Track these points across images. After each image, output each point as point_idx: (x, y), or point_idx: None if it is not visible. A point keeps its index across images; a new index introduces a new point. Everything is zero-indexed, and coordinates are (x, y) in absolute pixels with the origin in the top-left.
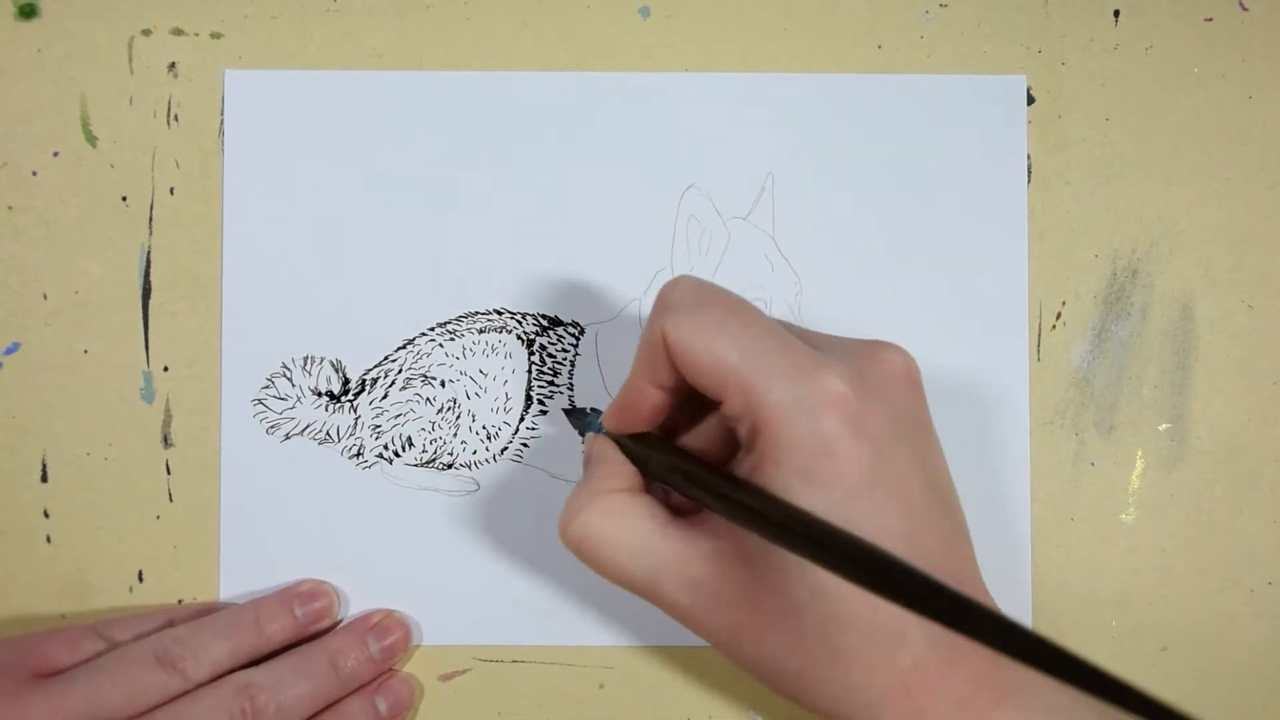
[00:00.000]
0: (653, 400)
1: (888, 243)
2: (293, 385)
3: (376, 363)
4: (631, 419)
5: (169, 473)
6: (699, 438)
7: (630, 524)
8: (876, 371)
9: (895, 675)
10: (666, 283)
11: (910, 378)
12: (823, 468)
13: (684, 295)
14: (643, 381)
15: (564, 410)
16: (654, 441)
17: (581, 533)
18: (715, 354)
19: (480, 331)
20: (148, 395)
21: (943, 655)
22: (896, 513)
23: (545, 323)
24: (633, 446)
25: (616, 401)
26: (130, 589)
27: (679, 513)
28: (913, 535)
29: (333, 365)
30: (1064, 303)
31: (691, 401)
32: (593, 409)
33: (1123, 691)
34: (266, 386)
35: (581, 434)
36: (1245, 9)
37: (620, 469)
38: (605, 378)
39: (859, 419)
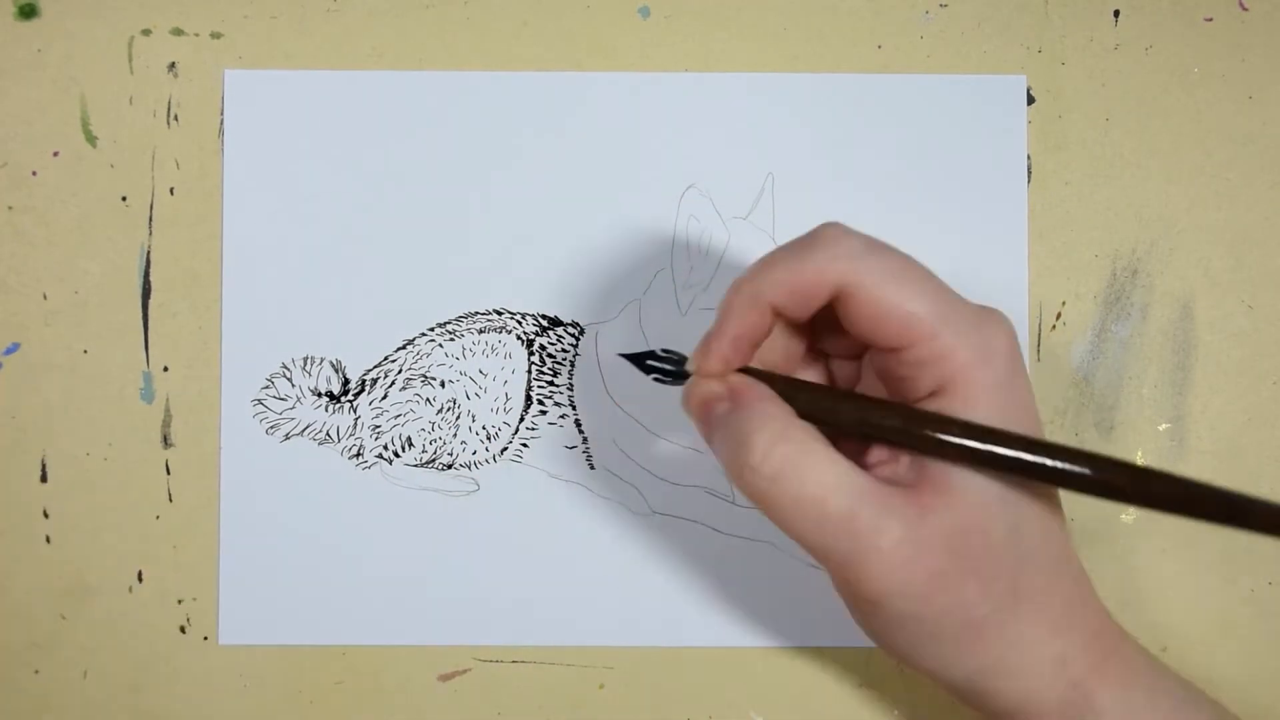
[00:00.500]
0: (767, 326)
1: (888, 242)
2: (292, 385)
3: (376, 363)
4: (747, 351)
5: (169, 473)
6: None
7: (826, 456)
8: (1013, 333)
9: (1060, 606)
10: (822, 226)
11: (1018, 344)
12: (1011, 405)
13: (860, 245)
14: (764, 308)
15: (623, 355)
16: (807, 388)
17: (774, 468)
18: (906, 302)
19: (480, 332)
20: (147, 395)
21: (1085, 584)
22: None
23: (545, 323)
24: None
25: (724, 331)
26: (130, 589)
27: None
28: None
29: (333, 365)
30: (1064, 303)
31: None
32: (667, 350)
33: None
34: (266, 387)
35: (652, 375)
36: (1245, 9)
37: (776, 398)
38: (605, 378)
39: (1020, 364)
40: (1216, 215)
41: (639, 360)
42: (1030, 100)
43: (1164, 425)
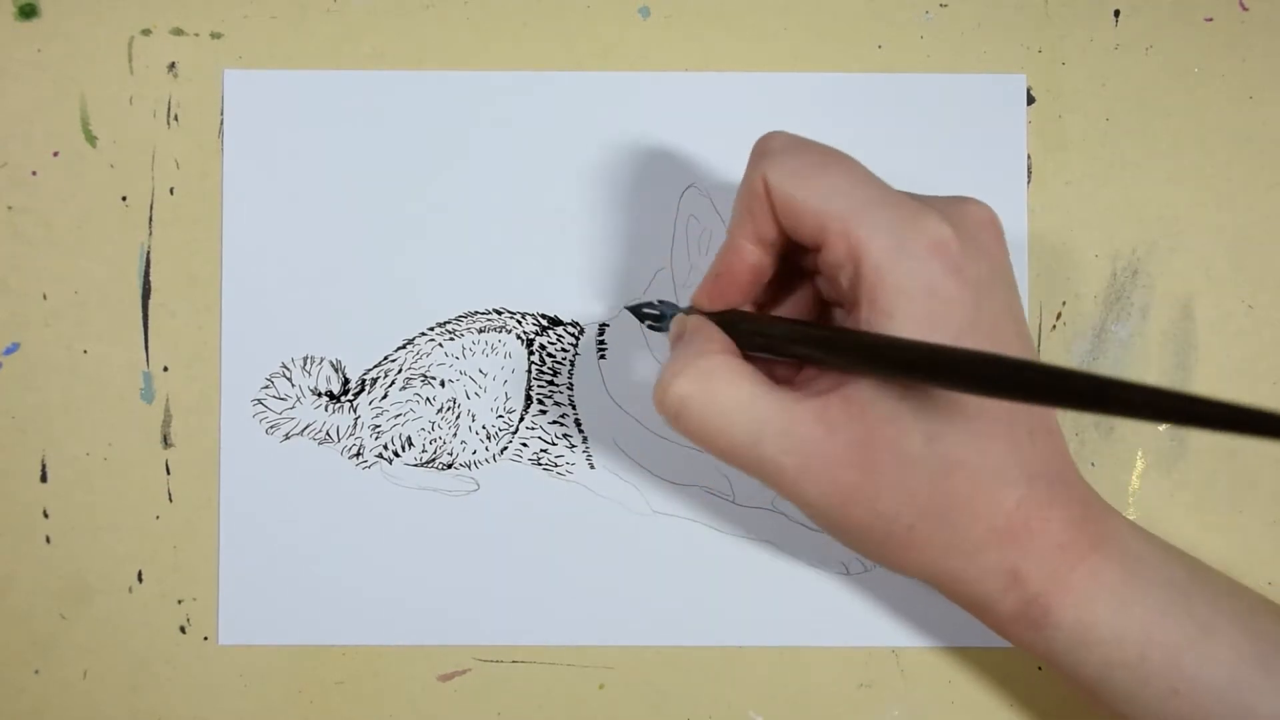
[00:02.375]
0: (751, 261)
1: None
2: (292, 385)
3: (376, 363)
4: (727, 288)
5: (169, 473)
6: (789, 312)
7: (732, 385)
8: (968, 221)
9: (1001, 517)
10: (763, 135)
11: (998, 228)
12: (931, 311)
13: (781, 143)
14: (742, 239)
15: (627, 308)
16: (746, 316)
17: (682, 395)
18: (816, 197)
19: (480, 331)
20: (147, 395)
21: (1042, 496)
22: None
23: (545, 322)
24: (727, 326)
25: (712, 271)
26: (130, 589)
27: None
28: None
29: (332, 365)
30: (1064, 303)
31: (782, 275)
32: (660, 300)
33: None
34: (266, 386)
35: (647, 322)
36: (1245, 9)
37: (716, 336)
38: (605, 377)
39: (960, 264)
40: (1216, 215)
41: (637, 310)
42: (1030, 100)
43: (1164, 425)
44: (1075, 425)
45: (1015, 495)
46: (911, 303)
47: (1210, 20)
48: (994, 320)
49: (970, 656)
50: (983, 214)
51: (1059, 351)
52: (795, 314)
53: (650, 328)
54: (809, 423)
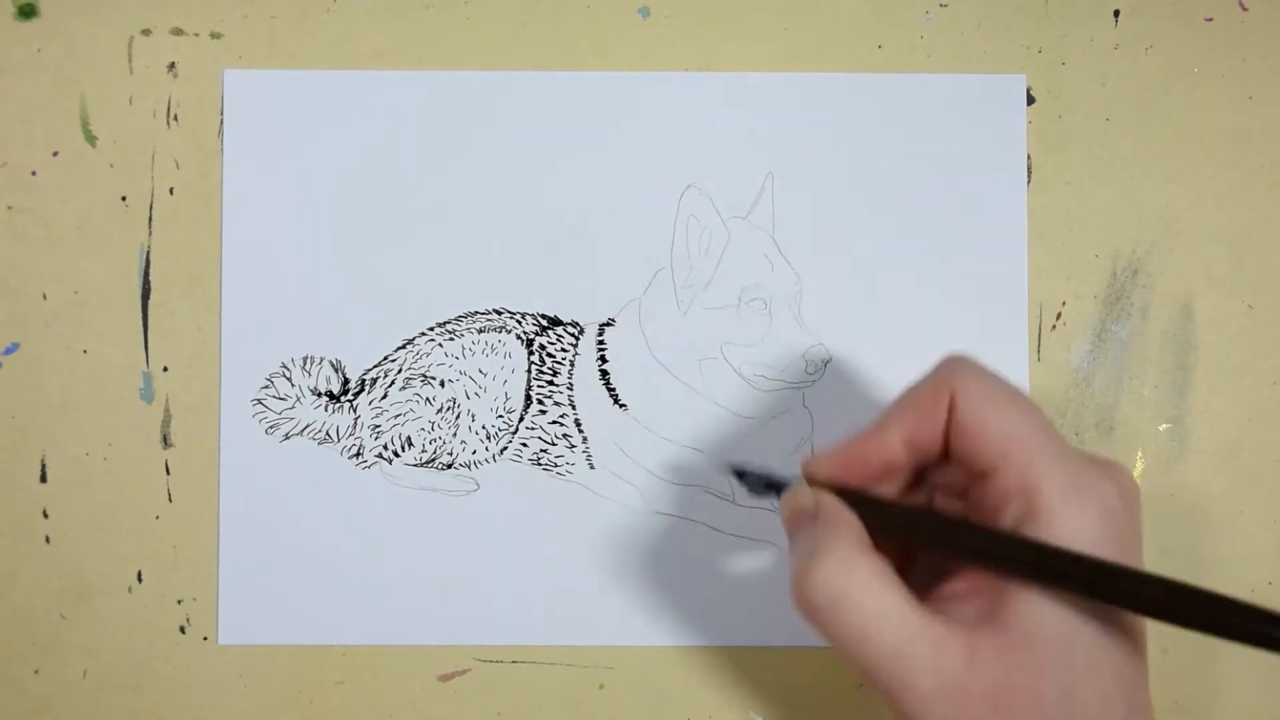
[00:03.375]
0: (890, 457)
1: (887, 241)
2: (292, 385)
3: (376, 363)
4: (854, 471)
5: (168, 473)
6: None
7: (885, 592)
8: (1126, 491)
9: None
10: (951, 354)
11: (1139, 503)
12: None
13: (976, 368)
14: (894, 434)
15: (735, 472)
16: (878, 504)
17: (830, 595)
18: (1006, 423)
19: (480, 331)
20: (147, 395)
21: None
22: None
23: (545, 322)
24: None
25: (843, 450)
26: (130, 589)
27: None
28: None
29: (332, 365)
30: (1064, 303)
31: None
32: (767, 472)
33: None
34: (266, 386)
35: (747, 486)
36: (1245, 9)
37: (854, 525)
38: (605, 377)
39: (1122, 533)
40: (1216, 215)
41: (741, 473)
42: (1030, 100)
43: (1164, 425)
44: (1075, 425)
45: None
46: (1077, 544)
47: (1210, 20)
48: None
49: None
50: (1133, 486)
51: (1059, 351)
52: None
53: (751, 493)
54: (956, 651)
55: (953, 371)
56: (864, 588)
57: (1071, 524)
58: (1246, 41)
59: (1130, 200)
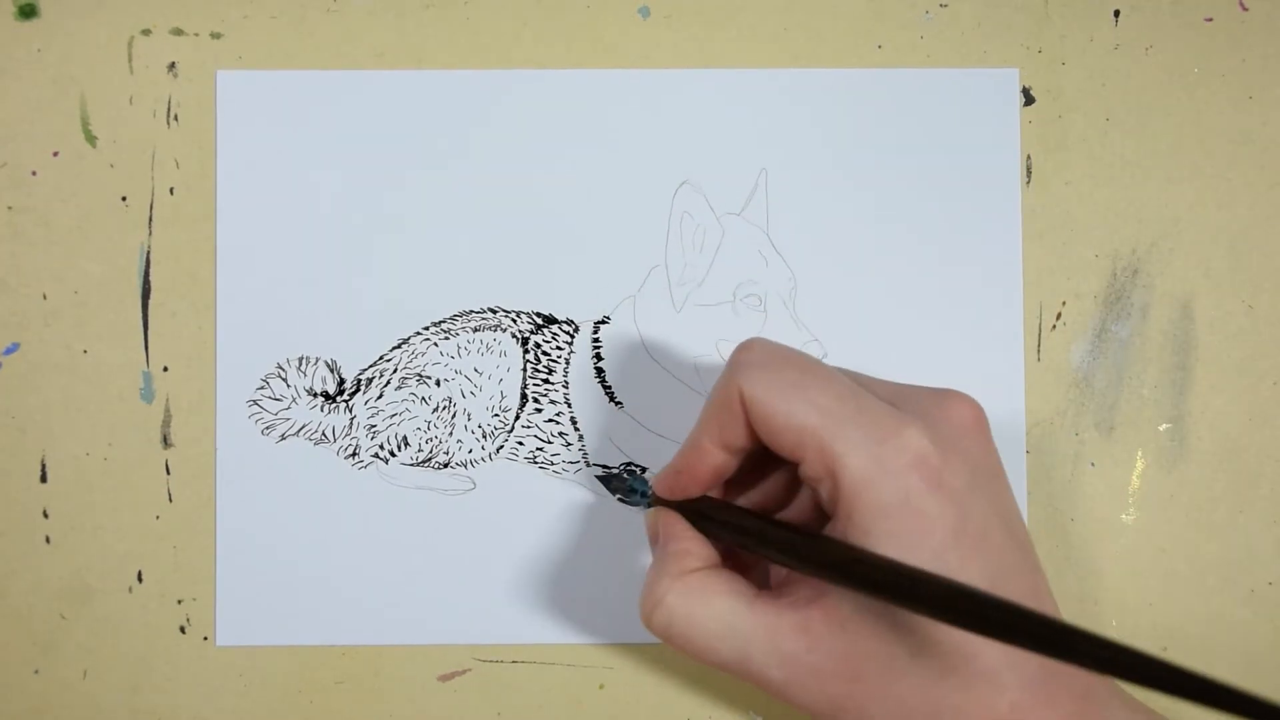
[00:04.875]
0: (715, 463)
1: (882, 238)
2: (288, 386)
3: (371, 362)
4: (688, 483)
5: (168, 473)
6: (756, 498)
7: (714, 604)
8: (951, 424)
9: None
10: (741, 344)
11: (981, 428)
12: (910, 528)
13: (759, 355)
14: (709, 443)
15: (598, 477)
16: (716, 506)
17: (667, 620)
18: (794, 414)
19: (475, 330)
20: (147, 395)
21: (1037, 696)
22: (981, 563)
23: (540, 320)
24: (697, 515)
25: (673, 466)
26: (130, 589)
27: (761, 585)
28: (995, 582)
29: (328, 365)
30: (1064, 303)
31: (750, 461)
32: (625, 468)
33: (1245, 702)
34: (262, 387)
35: (616, 495)
36: (1245, 9)
37: (693, 545)
38: (601, 375)
39: (940, 475)
40: (1216, 215)
41: (606, 481)
42: (1030, 100)
43: (1164, 425)
44: (1075, 425)
45: (1008, 699)
46: (889, 520)
47: (1210, 20)
48: (981, 527)
49: None
50: (965, 414)
51: (1059, 351)
52: (766, 495)
53: (620, 501)
54: (792, 637)
55: (737, 367)
56: (698, 604)
57: (877, 493)
58: (1246, 41)
59: (1130, 200)
